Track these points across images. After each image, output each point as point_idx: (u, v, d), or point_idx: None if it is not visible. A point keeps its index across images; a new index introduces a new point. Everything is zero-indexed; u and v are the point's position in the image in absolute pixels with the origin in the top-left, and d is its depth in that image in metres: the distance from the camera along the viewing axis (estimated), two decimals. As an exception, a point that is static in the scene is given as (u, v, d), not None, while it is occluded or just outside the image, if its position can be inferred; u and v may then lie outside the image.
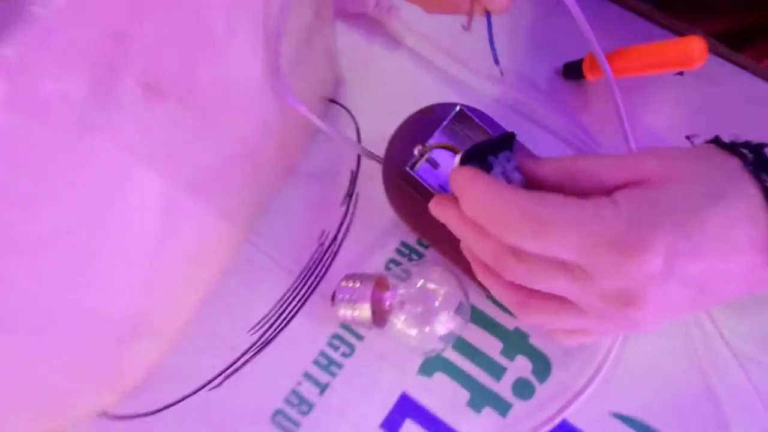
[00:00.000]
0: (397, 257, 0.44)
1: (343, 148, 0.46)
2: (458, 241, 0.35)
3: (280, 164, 0.45)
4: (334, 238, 0.44)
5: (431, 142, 0.39)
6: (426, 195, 0.38)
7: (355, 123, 0.47)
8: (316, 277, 0.44)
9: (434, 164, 0.39)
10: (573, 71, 0.48)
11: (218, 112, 0.35)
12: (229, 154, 0.38)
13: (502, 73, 0.40)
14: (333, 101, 0.48)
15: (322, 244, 0.44)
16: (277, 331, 0.42)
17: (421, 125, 0.40)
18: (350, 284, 0.40)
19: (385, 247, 0.44)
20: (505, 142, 0.34)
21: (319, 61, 0.44)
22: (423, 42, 0.49)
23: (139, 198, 0.33)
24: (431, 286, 0.41)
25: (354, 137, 0.47)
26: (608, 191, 0.30)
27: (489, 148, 0.34)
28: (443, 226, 0.34)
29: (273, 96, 0.38)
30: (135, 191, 0.32)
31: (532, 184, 0.33)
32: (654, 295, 0.29)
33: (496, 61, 0.39)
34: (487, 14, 0.38)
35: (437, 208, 0.34)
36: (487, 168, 0.34)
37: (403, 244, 0.44)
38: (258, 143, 0.40)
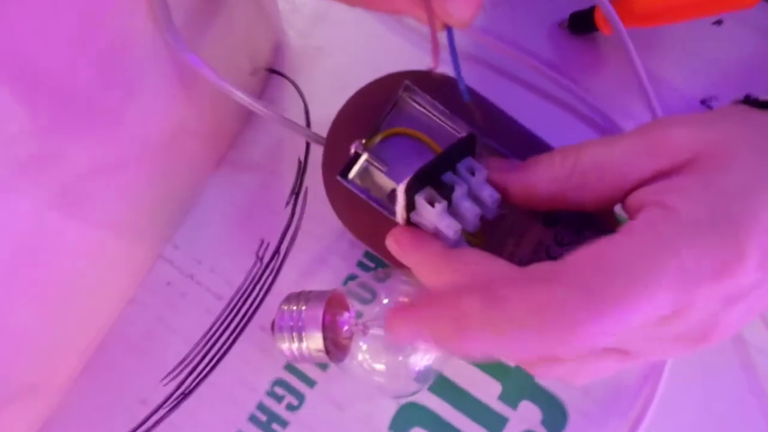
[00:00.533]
0: (359, 272, 0.33)
1: (288, 131, 0.36)
2: None
3: (200, 157, 0.35)
4: (277, 250, 0.34)
5: (385, 128, 0.29)
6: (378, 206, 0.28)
7: (303, 99, 0.37)
8: (253, 303, 0.33)
9: (383, 163, 0.28)
10: (581, 23, 0.37)
11: (96, 96, 0.25)
12: (120, 150, 0.28)
13: (468, 102, 0.27)
14: (273, 71, 0.37)
15: (260, 258, 0.34)
16: (200, 377, 0.32)
17: (371, 106, 0.29)
18: (294, 307, 0.30)
19: (344, 259, 0.34)
20: (464, 147, 0.24)
21: (245, 18, 0.33)
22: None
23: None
24: (404, 299, 0.30)
25: (301, 118, 0.36)
26: (632, 189, 0.23)
27: (441, 163, 0.24)
28: None
29: (173, 63, 0.27)
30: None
31: (514, 200, 0.25)
32: (743, 309, 0.21)
33: (465, 95, 0.26)
34: (448, 30, 0.25)
35: (395, 248, 0.26)
36: (446, 192, 0.24)
37: (368, 255, 0.34)
38: (162, 132, 0.30)
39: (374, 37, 0.38)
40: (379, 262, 0.34)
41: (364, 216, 0.29)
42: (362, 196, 0.28)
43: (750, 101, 0.25)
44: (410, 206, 0.24)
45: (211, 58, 0.28)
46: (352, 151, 0.28)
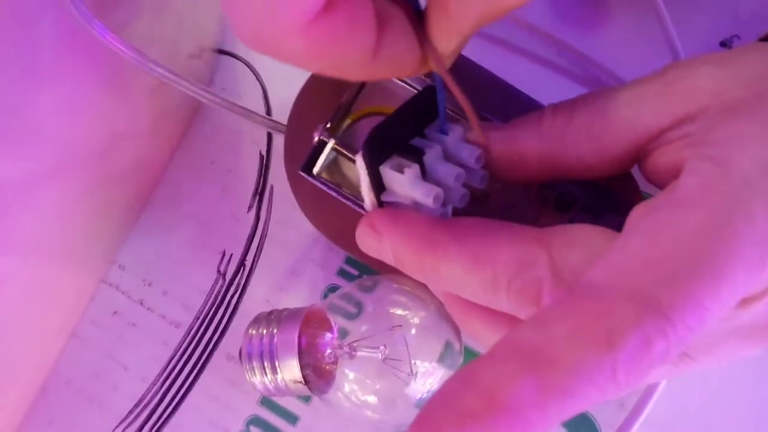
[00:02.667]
0: (341, 281, 0.28)
1: (245, 122, 0.31)
2: None
3: (142, 160, 0.29)
4: (242, 263, 0.29)
5: (356, 108, 0.24)
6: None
7: (260, 82, 0.31)
8: (217, 328, 0.28)
9: (353, 151, 0.23)
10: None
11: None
12: (36, 158, 0.23)
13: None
14: (223, 52, 0.32)
15: (223, 274, 0.29)
16: (160, 423, 0.27)
17: (338, 85, 0.24)
18: (263, 331, 0.25)
19: (322, 268, 0.29)
20: (425, 106, 0.19)
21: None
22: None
23: None
24: (395, 311, 0.26)
25: (260, 104, 0.31)
26: (647, 143, 0.18)
27: (402, 125, 0.19)
28: None
29: (88, 45, 0.22)
30: None
31: (500, 168, 0.20)
32: None
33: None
34: (437, 80, 0.19)
35: (370, 239, 0.20)
36: (416, 156, 0.19)
37: (350, 261, 0.29)
38: (88, 132, 0.24)
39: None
40: (364, 269, 0.29)
41: (338, 215, 0.24)
42: (331, 193, 0.23)
43: None
44: (378, 184, 0.19)
45: (138, 37, 0.23)
46: (316, 139, 0.23)
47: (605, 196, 0.22)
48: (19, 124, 0.22)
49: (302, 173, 0.23)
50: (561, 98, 0.21)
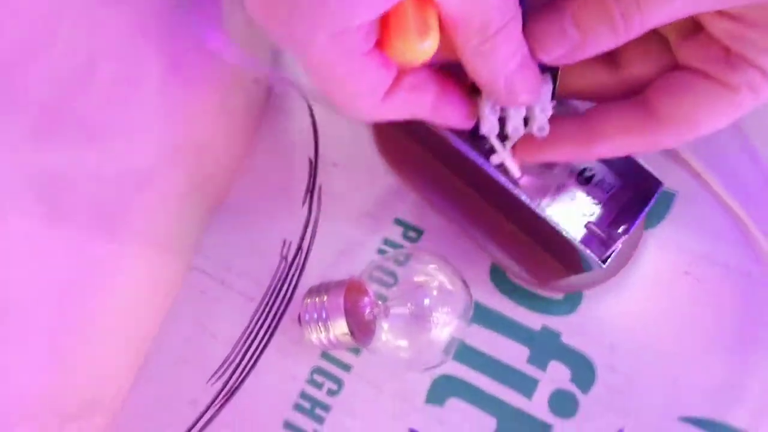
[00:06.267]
0: (380, 257, 0.35)
1: (294, 130, 0.37)
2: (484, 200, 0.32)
3: (223, 164, 0.36)
4: (299, 247, 0.36)
5: None
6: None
7: (307, 102, 0.38)
8: (283, 299, 0.35)
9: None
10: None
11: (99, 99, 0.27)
12: (145, 157, 0.30)
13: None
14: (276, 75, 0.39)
15: (285, 257, 0.35)
16: (243, 374, 0.34)
17: None
18: (316, 299, 0.32)
19: (364, 249, 0.35)
20: None
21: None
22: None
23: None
24: (419, 278, 0.32)
25: (307, 120, 0.38)
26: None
27: None
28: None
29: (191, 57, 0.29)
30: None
31: None
32: None
33: None
34: None
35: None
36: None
37: (387, 241, 0.35)
38: (186, 137, 0.32)
39: None
40: (401, 247, 0.35)
41: (419, 152, 0.32)
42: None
43: None
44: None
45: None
46: None
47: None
48: (129, 126, 0.29)
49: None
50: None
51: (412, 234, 0.35)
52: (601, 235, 0.30)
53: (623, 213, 0.31)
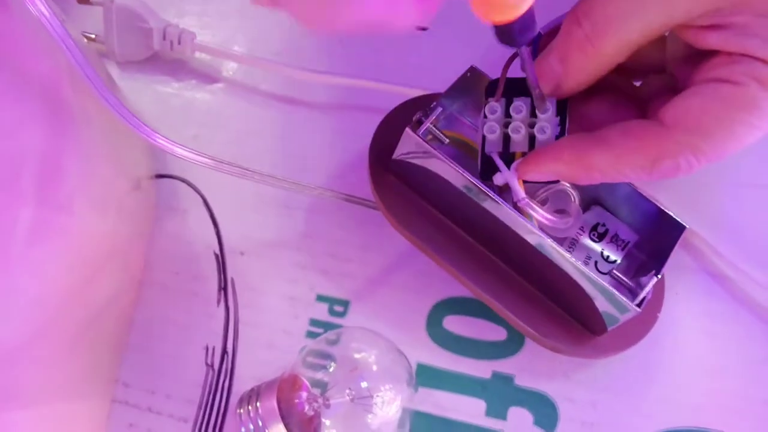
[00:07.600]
0: (310, 341, 0.33)
1: (192, 227, 0.35)
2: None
3: (121, 285, 0.33)
4: (224, 351, 0.33)
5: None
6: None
7: (199, 193, 0.36)
8: (218, 412, 0.32)
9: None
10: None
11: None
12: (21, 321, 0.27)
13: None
14: (162, 176, 0.36)
15: (210, 365, 0.33)
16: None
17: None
18: (249, 407, 0.29)
19: (293, 336, 0.33)
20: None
21: (101, 154, 0.32)
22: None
23: None
24: (356, 355, 0.30)
25: (203, 212, 0.35)
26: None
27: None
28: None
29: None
30: None
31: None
32: None
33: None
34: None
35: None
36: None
37: (314, 321, 0.33)
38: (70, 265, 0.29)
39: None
40: (329, 326, 0.33)
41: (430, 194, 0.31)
42: (437, 153, 0.28)
43: None
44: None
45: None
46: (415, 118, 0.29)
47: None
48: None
49: (410, 130, 0.28)
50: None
51: (338, 308, 0.33)
52: (629, 284, 0.28)
53: (647, 263, 0.29)
